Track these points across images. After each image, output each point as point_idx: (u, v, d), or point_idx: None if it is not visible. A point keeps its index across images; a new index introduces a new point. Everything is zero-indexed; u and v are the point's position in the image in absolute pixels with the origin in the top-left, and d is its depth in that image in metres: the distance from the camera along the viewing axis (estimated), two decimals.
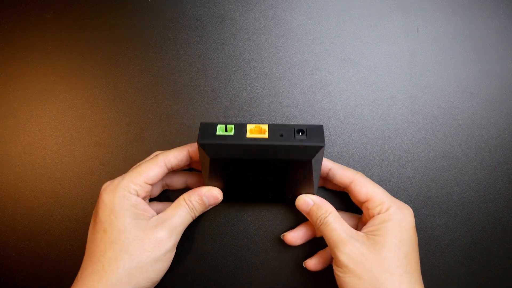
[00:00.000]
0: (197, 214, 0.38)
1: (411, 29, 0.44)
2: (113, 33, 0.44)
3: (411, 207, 0.43)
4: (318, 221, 0.37)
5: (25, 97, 0.44)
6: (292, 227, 0.43)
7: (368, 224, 0.36)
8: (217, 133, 0.32)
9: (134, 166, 0.38)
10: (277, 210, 0.43)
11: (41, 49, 0.44)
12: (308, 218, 0.39)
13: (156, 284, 0.36)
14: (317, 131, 0.33)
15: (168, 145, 0.43)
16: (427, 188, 0.43)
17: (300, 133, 0.33)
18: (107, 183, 0.36)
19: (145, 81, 0.44)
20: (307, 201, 0.38)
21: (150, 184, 0.36)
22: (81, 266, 0.35)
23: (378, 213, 0.36)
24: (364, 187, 0.37)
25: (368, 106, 0.43)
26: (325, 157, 0.43)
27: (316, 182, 0.37)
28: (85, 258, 0.35)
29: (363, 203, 0.38)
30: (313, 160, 0.33)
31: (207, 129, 0.33)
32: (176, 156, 0.37)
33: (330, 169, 0.39)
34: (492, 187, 0.43)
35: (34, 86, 0.44)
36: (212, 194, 0.37)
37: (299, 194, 0.38)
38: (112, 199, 0.35)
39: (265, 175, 0.36)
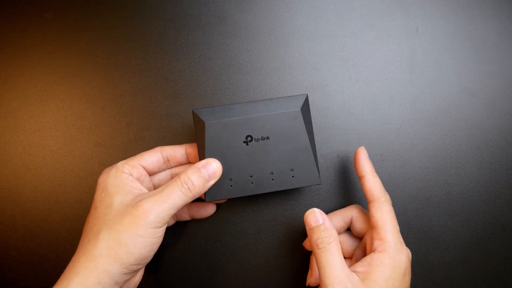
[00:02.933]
0: (194, 191, 0.35)
1: (411, 29, 0.44)
2: (113, 33, 0.44)
3: (411, 207, 0.43)
4: (319, 242, 0.35)
5: (25, 97, 0.44)
6: (291, 227, 0.43)
7: (364, 261, 0.35)
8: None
9: None
10: (277, 210, 0.43)
11: (41, 49, 0.44)
12: (308, 233, 0.36)
13: (143, 261, 0.34)
14: (301, 95, 0.38)
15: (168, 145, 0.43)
16: (427, 188, 0.43)
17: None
18: (106, 168, 0.38)
19: (145, 81, 0.44)
20: (317, 217, 0.36)
21: (144, 168, 0.38)
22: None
23: (375, 250, 0.35)
24: (379, 213, 0.36)
25: (368, 106, 0.43)
26: (325, 157, 0.43)
27: (312, 143, 0.37)
28: (81, 237, 0.36)
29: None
30: (301, 109, 0.37)
31: (201, 107, 0.38)
32: (173, 148, 0.39)
33: (363, 177, 0.38)
34: (492, 187, 0.43)
35: (34, 86, 0.44)
36: (208, 163, 0.36)
37: (300, 165, 0.37)
38: (105, 178, 0.36)
39: (263, 145, 0.37)
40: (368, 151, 0.43)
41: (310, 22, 0.44)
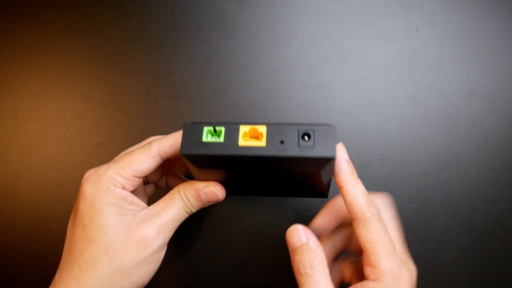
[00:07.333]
0: (194, 210, 0.32)
1: (411, 29, 0.44)
2: (113, 33, 0.44)
3: (411, 207, 0.43)
4: (300, 267, 0.29)
5: (25, 97, 0.44)
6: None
7: None
8: (204, 139, 0.27)
9: (124, 152, 0.33)
10: (277, 210, 0.43)
11: (41, 49, 0.44)
12: (290, 254, 0.31)
13: (143, 287, 0.31)
14: (327, 134, 0.26)
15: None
16: (427, 188, 0.43)
17: (306, 138, 0.26)
18: (90, 171, 0.31)
19: (145, 81, 0.44)
20: (301, 236, 0.30)
21: (140, 177, 0.32)
22: (59, 267, 0.30)
23: (367, 277, 0.29)
24: (365, 234, 0.29)
25: (368, 106, 0.43)
26: None
27: (328, 184, 0.31)
28: (62, 258, 0.31)
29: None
30: (322, 172, 0.28)
31: (191, 134, 0.27)
32: (172, 144, 0.31)
33: (342, 188, 0.30)
34: (492, 187, 0.43)
35: (34, 86, 0.44)
36: (210, 190, 0.32)
37: (312, 192, 0.33)
38: (93, 191, 0.30)
39: (267, 181, 0.32)
40: (368, 151, 0.43)
41: (310, 22, 0.44)
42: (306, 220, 0.44)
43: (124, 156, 0.31)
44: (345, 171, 0.29)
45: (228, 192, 0.33)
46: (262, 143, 0.26)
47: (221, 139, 0.26)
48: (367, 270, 0.29)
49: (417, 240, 0.43)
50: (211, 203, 0.33)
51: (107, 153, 0.43)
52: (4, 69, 0.44)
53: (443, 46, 0.44)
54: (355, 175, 0.30)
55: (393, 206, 0.33)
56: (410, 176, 0.43)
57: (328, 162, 0.26)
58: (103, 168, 0.31)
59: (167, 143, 0.31)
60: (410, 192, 0.43)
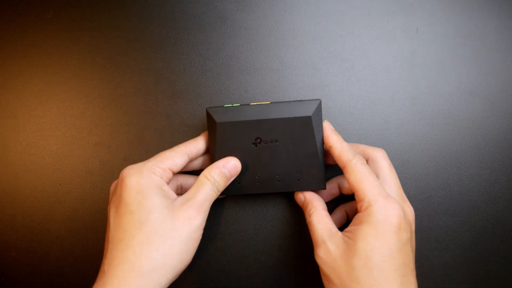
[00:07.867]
0: (221, 189, 0.36)
1: (411, 29, 0.44)
2: (113, 33, 0.44)
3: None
4: (306, 218, 0.37)
5: (25, 97, 0.44)
6: (291, 227, 0.43)
7: (351, 223, 0.34)
8: (225, 106, 0.38)
9: (156, 155, 0.37)
10: (277, 210, 0.43)
11: (41, 49, 0.44)
12: None
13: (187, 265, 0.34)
14: (314, 100, 0.38)
15: (168, 145, 0.43)
16: (427, 188, 0.43)
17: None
18: (128, 167, 0.35)
19: (145, 81, 0.44)
20: (299, 197, 0.39)
21: (173, 172, 0.36)
22: (105, 257, 0.32)
23: (359, 211, 0.33)
24: (352, 176, 0.34)
25: (368, 106, 0.43)
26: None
27: (321, 148, 0.37)
28: (109, 247, 0.32)
29: None
30: (313, 116, 0.37)
31: (215, 107, 0.38)
32: (195, 145, 0.38)
33: (331, 147, 0.36)
34: (492, 187, 0.43)
35: (34, 86, 0.44)
36: (230, 164, 0.37)
37: (307, 169, 0.38)
38: (138, 180, 0.33)
39: (271, 148, 0.38)
40: None
41: (310, 22, 0.44)
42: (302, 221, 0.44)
43: (157, 154, 0.36)
44: (332, 135, 0.37)
45: (235, 188, 0.39)
46: (267, 102, 0.38)
47: (238, 105, 0.38)
48: (358, 206, 0.34)
49: (417, 240, 0.43)
50: (233, 178, 0.38)
51: (107, 153, 0.43)
52: (4, 69, 0.44)
53: (443, 46, 0.44)
54: (341, 138, 0.37)
55: (388, 158, 0.38)
56: (409, 176, 0.43)
57: (316, 105, 0.37)
58: (140, 163, 0.35)
59: (191, 144, 0.38)
60: (410, 192, 0.43)
